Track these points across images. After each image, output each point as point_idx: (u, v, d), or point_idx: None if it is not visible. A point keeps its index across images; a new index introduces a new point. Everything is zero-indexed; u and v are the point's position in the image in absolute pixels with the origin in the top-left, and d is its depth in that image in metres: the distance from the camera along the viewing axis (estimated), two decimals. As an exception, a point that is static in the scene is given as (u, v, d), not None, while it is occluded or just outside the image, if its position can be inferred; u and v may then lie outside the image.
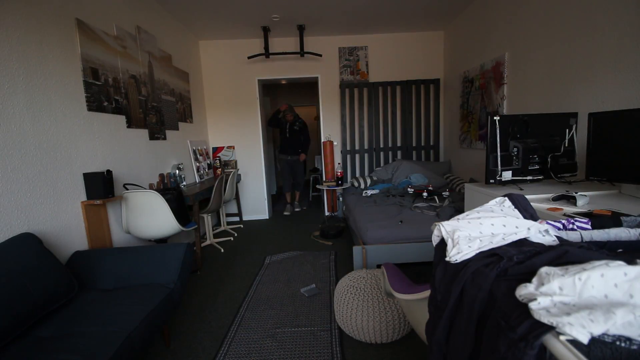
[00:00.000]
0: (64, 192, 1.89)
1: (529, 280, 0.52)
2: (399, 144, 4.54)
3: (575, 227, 0.85)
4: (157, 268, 1.74)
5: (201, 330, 2.01)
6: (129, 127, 2.56)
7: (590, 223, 0.86)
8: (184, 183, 3.34)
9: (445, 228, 0.76)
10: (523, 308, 0.49)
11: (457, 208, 2.73)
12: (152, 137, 2.93)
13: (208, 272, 2.88)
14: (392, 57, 4.41)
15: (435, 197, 3.15)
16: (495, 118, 1.64)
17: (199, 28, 3.91)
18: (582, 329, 0.41)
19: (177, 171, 3.25)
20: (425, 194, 3.20)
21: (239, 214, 4.59)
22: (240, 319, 2.10)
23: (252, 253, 3.33)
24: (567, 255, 0.57)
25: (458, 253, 0.68)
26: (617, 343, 0.41)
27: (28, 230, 1.61)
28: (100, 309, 1.45)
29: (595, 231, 0.79)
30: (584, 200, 1.32)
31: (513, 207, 0.86)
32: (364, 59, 4.42)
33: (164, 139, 3.16)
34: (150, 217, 2.35)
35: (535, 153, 1.70)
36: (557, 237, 0.74)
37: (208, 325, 2.05)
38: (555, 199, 1.41)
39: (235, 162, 4.58)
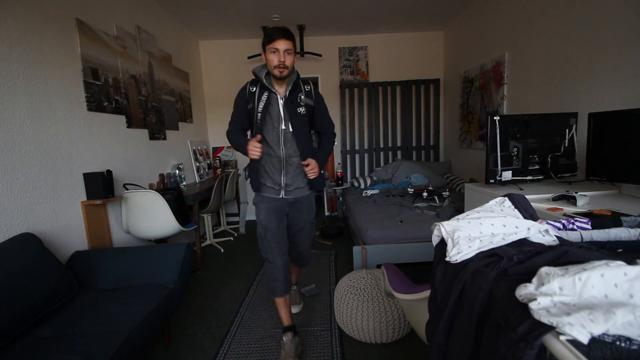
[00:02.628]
0: (64, 192, 1.89)
1: (529, 280, 0.52)
2: (399, 144, 4.54)
3: (575, 227, 0.85)
4: (157, 268, 1.74)
5: (201, 330, 2.01)
6: (129, 127, 2.56)
7: (590, 223, 0.86)
8: (184, 183, 3.34)
9: (445, 228, 0.76)
10: (523, 308, 0.49)
11: (457, 208, 2.73)
12: (152, 137, 2.93)
13: (208, 272, 2.88)
14: (392, 57, 4.41)
15: (435, 197, 3.15)
16: (495, 118, 1.64)
17: (199, 28, 3.91)
18: (582, 329, 0.41)
19: (177, 171, 3.25)
20: (425, 194, 3.20)
21: (239, 214, 4.59)
22: (240, 319, 2.10)
23: (252, 253, 3.33)
24: (567, 255, 0.57)
25: (458, 253, 0.68)
26: (617, 343, 0.41)
27: (28, 230, 1.61)
28: (100, 309, 1.45)
29: (595, 231, 0.79)
30: (584, 200, 1.32)
31: (513, 207, 0.86)
32: (364, 59, 4.42)
33: (164, 139, 3.16)
34: (150, 217, 2.35)
35: (535, 153, 1.70)
36: (557, 237, 0.74)
37: (208, 325, 2.05)
38: (555, 199, 1.41)
39: (235, 162, 4.57)
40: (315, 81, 4.56)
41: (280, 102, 1.65)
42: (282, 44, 1.56)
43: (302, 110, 1.71)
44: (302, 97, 1.72)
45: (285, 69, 1.58)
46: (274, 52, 1.57)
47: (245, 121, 1.75)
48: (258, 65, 1.67)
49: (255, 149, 1.59)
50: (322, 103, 1.81)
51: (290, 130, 1.66)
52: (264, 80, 1.64)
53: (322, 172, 1.79)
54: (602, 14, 1.92)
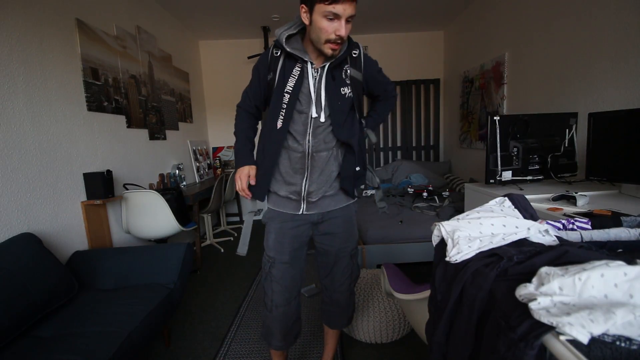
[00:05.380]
0: (64, 192, 1.89)
1: (529, 280, 0.52)
2: (399, 144, 4.54)
3: (575, 227, 0.85)
4: (157, 268, 1.74)
5: (201, 330, 2.01)
6: (129, 127, 2.56)
7: (590, 223, 0.85)
8: (184, 183, 3.34)
9: (445, 228, 0.76)
10: (523, 308, 0.49)
11: (457, 208, 2.73)
12: (152, 137, 2.93)
13: (208, 272, 2.88)
14: (392, 57, 4.40)
15: (435, 197, 3.15)
16: (495, 118, 1.64)
17: (199, 28, 3.91)
18: (582, 329, 0.41)
19: (177, 171, 3.25)
20: (425, 194, 3.20)
21: (239, 214, 4.59)
22: (240, 319, 2.10)
23: (253, 253, 3.32)
24: (567, 255, 0.57)
25: (458, 253, 0.68)
26: (617, 343, 0.41)
27: (28, 230, 1.61)
28: (100, 309, 1.45)
29: (595, 231, 0.79)
30: (584, 200, 1.32)
31: (513, 207, 0.86)
32: (364, 59, 4.41)
33: (164, 139, 3.16)
34: (150, 217, 2.35)
35: (535, 153, 1.69)
36: (557, 237, 0.74)
37: (208, 325, 2.05)
38: (555, 199, 1.41)
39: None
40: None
41: (313, 75, 1.14)
42: (347, 8, 0.99)
43: (346, 91, 1.17)
44: (349, 70, 1.18)
45: (339, 46, 1.07)
46: (331, 20, 1.01)
47: (259, 98, 1.25)
48: (284, 25, 1.15)
49: (242, 183, 1.21)
50: (373, 69, 1.24)
51: (322, 120, 1.16)
52: (286, 47, 1.11)
53: (357, 169, 1.25)
54: (602, 14, 1.92)
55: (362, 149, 1.28)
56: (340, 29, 1.01)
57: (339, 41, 1.04)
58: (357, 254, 1.42)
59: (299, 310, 1.35)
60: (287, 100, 1.14)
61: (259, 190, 1.24)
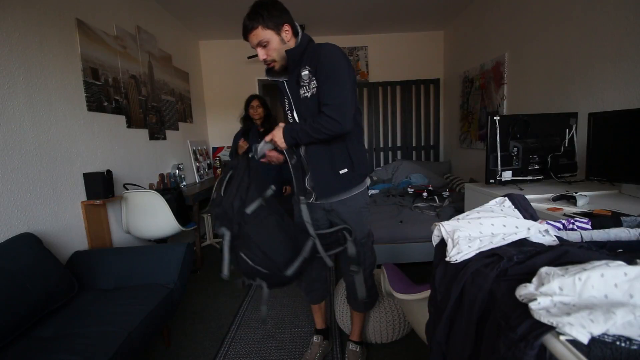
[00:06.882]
0: (64, 192, 1.89)
1: (529, 280, 0.52)
2: (399, 144, 4.54)
3: (575, 227, 0.85)
4: (157, 268, 1.74)
5: (201, 330, 2.01)
6: (129, 127, 2.56)
7: (590, 223, 0.86)
8: (184, 183, 3.34)
9: (445, 228, 0.76)
10: (523, 308, 0.49)
11: (457, 208, 2.73)
12: (152, 137, 2.93)
13: (208, 272, 2.88)
14: (392, 57, 4.40)
15: (435, 197, 3.15)
16: (495, 118, 1.64)
17: (199, 28, 3.91)
18: (582, 329, 0.41)
19: (177, 171, 3.25)
20: (425, 194, 3.20)
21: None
22: (240, 319, 2.10)
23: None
24: (567, 255, 0.57)
25: (458, 253, 0.68)
26: (617, 343, 0.41)
27: (28, 230, 1.61)
28: (100, 309, 1.45)
29: (595, 231, 0.79)
30: (584, 200, 1.32)
31: (513, 207, 0.86)
32: (364, 59, 4.41)
33: (164, 139, 3.16)
34: (151, 217, 2.35)
35: (535, 153, 1.69)
36: (557, 237, 0.74)
37: (208, 325, 2.05)
38: (555, 199, 1.41)
39: (235, 162, 4.57)
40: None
41: (287, 87, 1.34)
42: (251, 40, 1.25)
43: (303, 92, 1.27)
44: (303, 72, 1.25)
45: (273, 63, 1.28)
46: (255, 49, 1.27)
47: None
48: None
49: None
50: (323, 70, 1.20)
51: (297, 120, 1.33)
52: (267, 77, 1.36)
53: (342, 172, 1.37)
54: (602, 14, 1.92)
55: (336, 151, 1.33)
56: (258, 54, 1.26)
57: (266, 64, 1.30)
58: (368, 243, 1.52)
59: (321, 274, 1.63)
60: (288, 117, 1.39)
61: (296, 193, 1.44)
